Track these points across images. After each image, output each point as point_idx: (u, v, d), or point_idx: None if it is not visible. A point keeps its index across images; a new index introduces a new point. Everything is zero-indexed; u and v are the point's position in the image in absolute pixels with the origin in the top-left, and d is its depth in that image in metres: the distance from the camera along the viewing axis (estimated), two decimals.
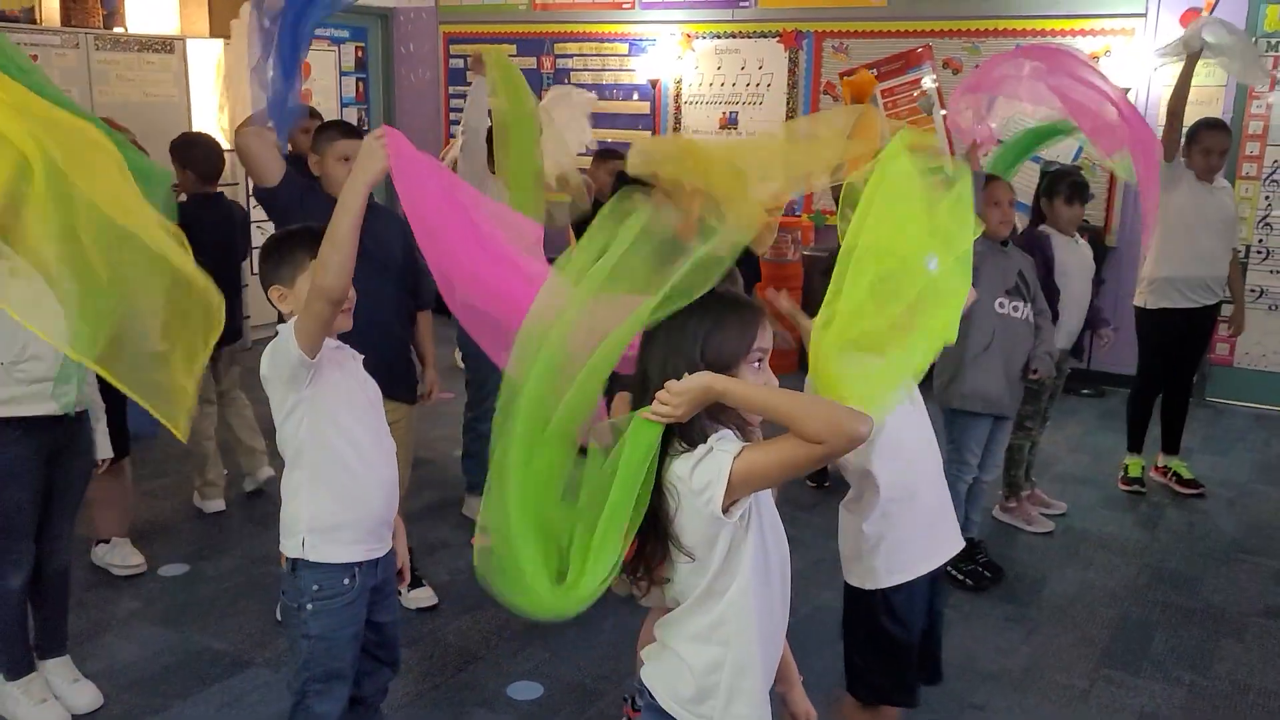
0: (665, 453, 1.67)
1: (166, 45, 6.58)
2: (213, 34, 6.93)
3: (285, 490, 2.38)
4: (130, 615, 3.64)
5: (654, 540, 1.70)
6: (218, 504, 4.54)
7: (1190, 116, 4.91)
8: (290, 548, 2.35)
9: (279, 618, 3.34)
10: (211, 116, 6.75)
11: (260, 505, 4.56)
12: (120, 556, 3.91)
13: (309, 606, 2.32)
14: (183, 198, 4.34)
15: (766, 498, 1.78)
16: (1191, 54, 4.65)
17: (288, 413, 2.30)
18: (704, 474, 1.63)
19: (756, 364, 1.70)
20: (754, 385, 1.65)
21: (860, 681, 2.53)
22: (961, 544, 2.61)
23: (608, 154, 5.29)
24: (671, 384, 1.62)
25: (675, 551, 1.70)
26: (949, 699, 3.24)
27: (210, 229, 4.10)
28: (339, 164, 3.32)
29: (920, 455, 2.48)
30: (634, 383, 1.75)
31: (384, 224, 3.42)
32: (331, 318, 2.17)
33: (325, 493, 2.32)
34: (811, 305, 5.74)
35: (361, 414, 2.36)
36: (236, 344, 4.61)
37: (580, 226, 5.11)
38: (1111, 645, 3.58)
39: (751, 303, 1.74)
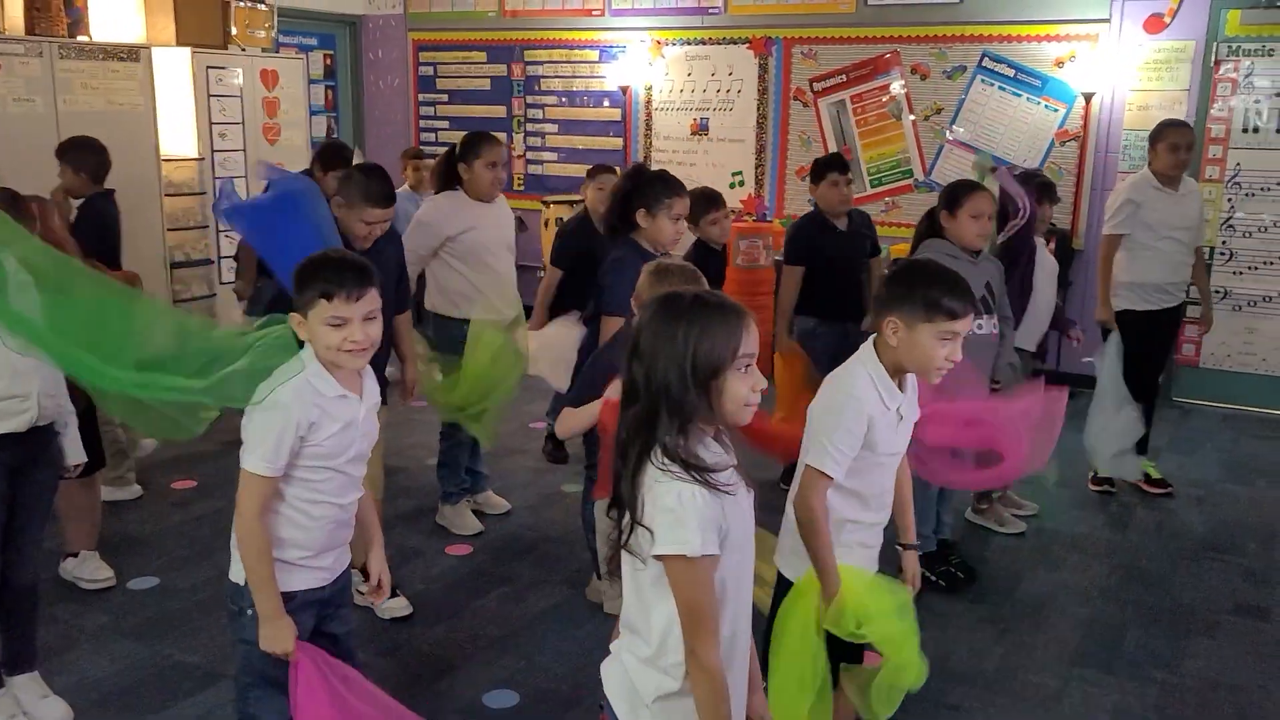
0: (644, 456, 1.66)
1: (131, 54, 6.50)
2: (179, 42, 6.87)
3: None
4: (100, 629, 3.59)
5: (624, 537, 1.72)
6: (132, 490, 4.73)
7: (1155, 119, 4.99)
8: (236, 573, 2.32)
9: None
10: (177, 125, 6.70)
11: (230, 517, 4.51)
12: (89, 570, 3.86)
13: (249, 612, 2.30)
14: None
15: (748, 512, 1.77)
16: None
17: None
18: (669, 519, 1.64)
19: (744, 368, 1.69)
20: None
21: None
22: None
23: (598, 170, 5.25)
24: None
25: (626, 555, 1.71)
26: (923, 700, 3.24)
27: (113, 222, 4.67)
28: (360, 224, 3.43)
29: (892, 469, 2.46)
30: (623, 392, 1.74)
31: (383, 253, 3.47)
32: None
33: (279, 533, 2.29)
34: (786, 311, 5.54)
35: (342, 462, 2.31)
36: None
37: (569, 241, 5.08)
38: (1084, 645, 3.61)
39: (736, 306, 1.73)
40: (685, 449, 1.66)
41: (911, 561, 2.58)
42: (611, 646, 1.87)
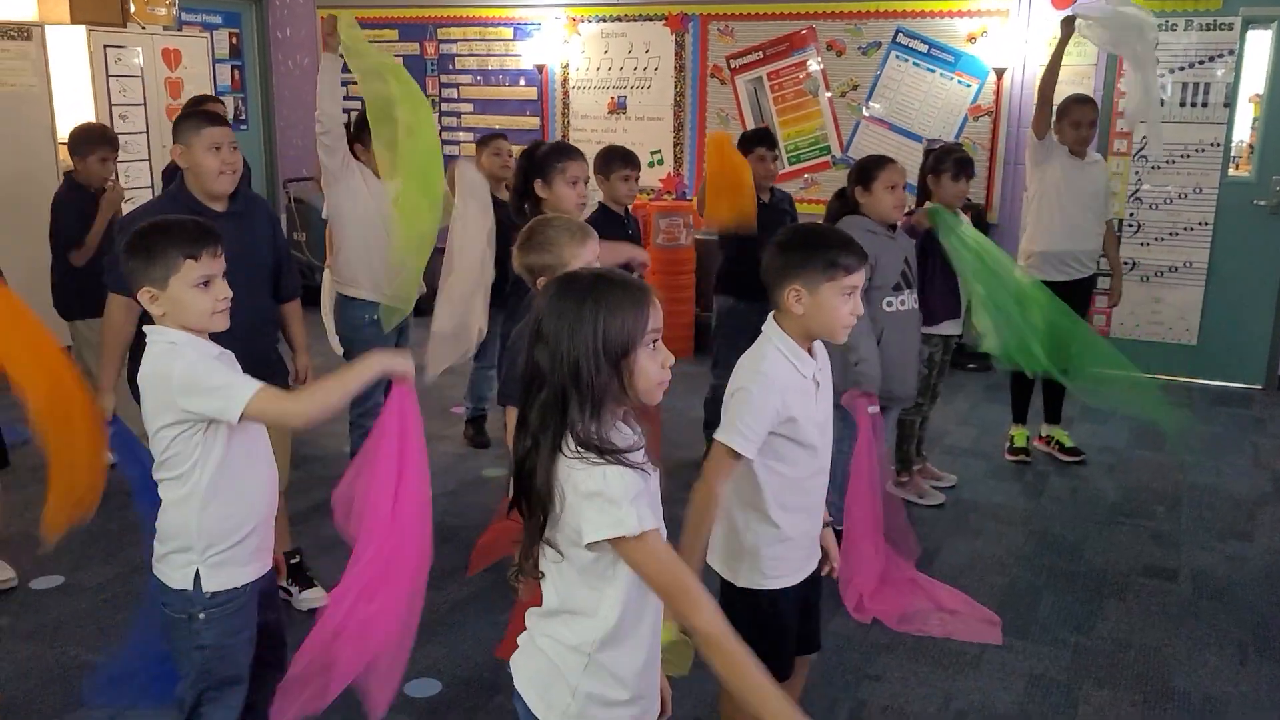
0: (556, 446, 1.61)
1: (23, 32, 6.24)
2: (74, 20, 6.61)
3: (166, 507, 2.25)
4: None
5: (538, 535, 1.66)
6: None
7: (1061, 94, 5.06)
8: (177, 579, 2.22)
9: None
10: (74, 107, 6.45)
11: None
12: None
13: (201, 616, 2.22)
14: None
15: (656, 494, 1.72)
16: (1065, 34, 4.82)
17: (172, 422, 2.17)
18: (597, 503, 1.58)
19: (653, 344, 1.65)
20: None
21: None
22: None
23: (490, 139, 5.20)
24: None
25: (550, 549, 1.67)
26: (846, 670, 3.29)
27: None
28: (209, 156, 3.10)
29: (825, 457, 2.38)
30: (523, 376, 1.68)
31: (253, 221, 3.30)
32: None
33: (218, 513, 2.21)
34: (707, 290, 5.58)
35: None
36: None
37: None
38: (1001, 611, 3.67)
39: (641, 283, 1.69)
40: (599, 434, 1.60)
41: (829, 540, 2.55)
42: (514, 658, 1.82)
